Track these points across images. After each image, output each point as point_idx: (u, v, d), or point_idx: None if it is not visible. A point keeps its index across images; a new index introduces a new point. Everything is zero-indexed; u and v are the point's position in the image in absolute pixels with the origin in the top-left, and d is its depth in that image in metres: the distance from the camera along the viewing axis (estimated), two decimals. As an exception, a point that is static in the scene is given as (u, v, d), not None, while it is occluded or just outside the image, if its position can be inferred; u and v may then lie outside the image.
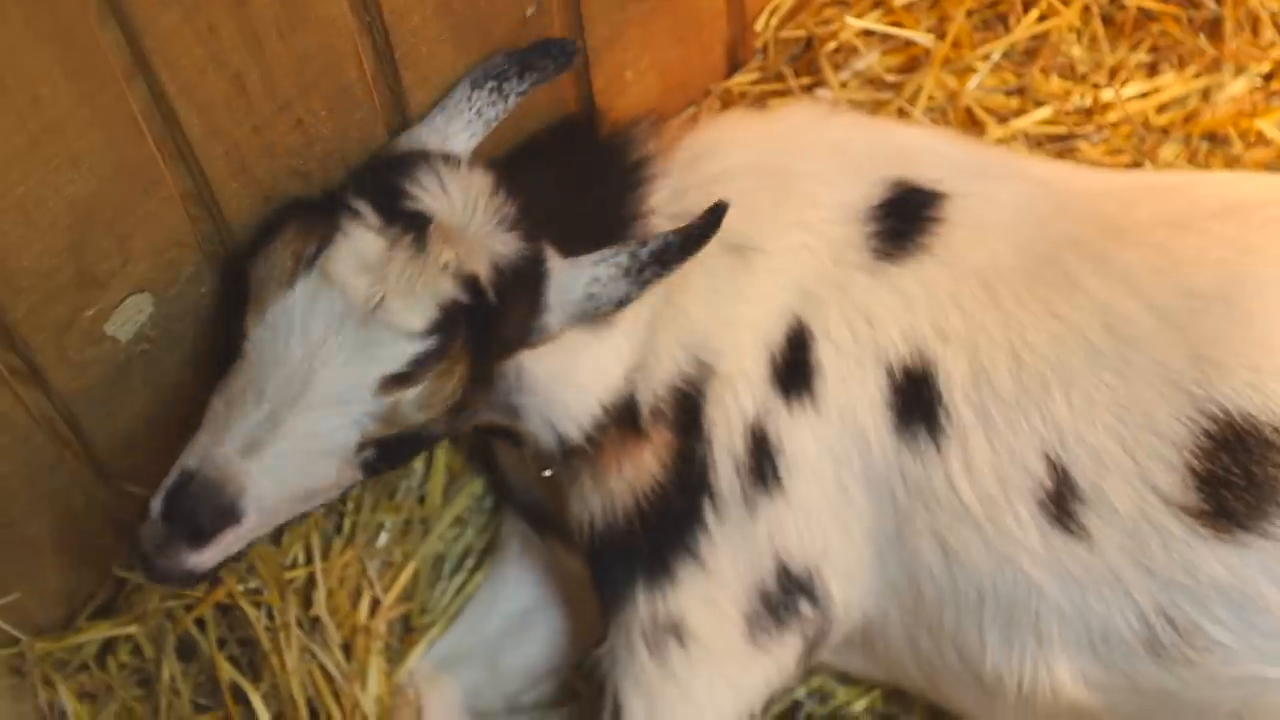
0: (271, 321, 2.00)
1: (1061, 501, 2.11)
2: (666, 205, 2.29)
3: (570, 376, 2.24)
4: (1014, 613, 2.17)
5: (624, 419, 2.27)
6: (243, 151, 2.05)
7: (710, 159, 2.35)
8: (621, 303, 2.13)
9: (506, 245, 2.08)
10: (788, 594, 2.25)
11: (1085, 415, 2.10)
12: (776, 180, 2.32)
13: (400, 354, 2.01)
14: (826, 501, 2.22)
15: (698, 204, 2.23)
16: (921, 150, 2.37)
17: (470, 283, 2.04)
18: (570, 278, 2.12)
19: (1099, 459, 2.09)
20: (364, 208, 2.04)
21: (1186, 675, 2.10)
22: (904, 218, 2.25)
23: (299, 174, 2.13)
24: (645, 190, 2.29)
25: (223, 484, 1.98)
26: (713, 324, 2.25)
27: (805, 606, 2.25)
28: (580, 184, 2.28)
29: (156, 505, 2.00)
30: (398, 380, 2.01)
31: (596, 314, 2.14)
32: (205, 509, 1.99)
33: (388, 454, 2.09)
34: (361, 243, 2.02)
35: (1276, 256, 2.14)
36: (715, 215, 2.12)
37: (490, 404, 2.21)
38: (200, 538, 2.00)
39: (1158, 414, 2.07)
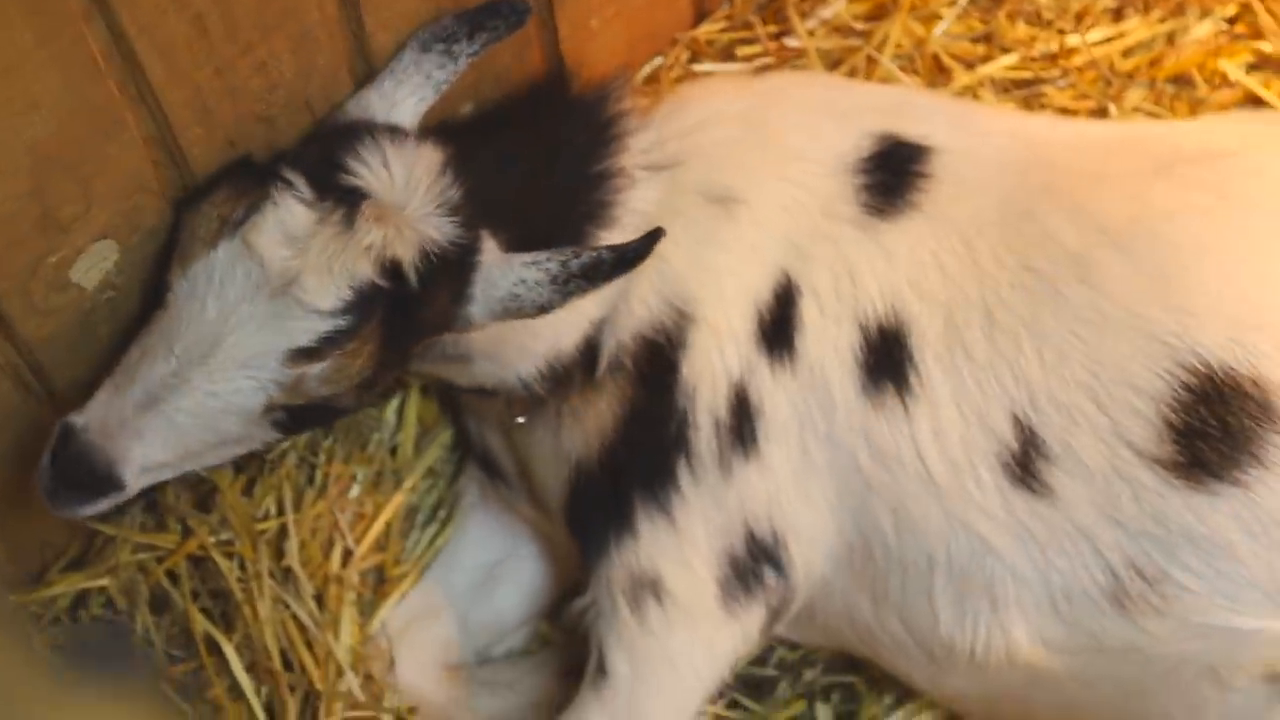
0: (192, 278, 2.01)
1: (1025, 461, 2.10)
2: (644, 155, 2.28)
3: (522, 335, 2.23)
4: (967, 578, 2.16)
5: (590, 368, 2.27)
6: (205, 95, 2.05)
7: (691, 110, 2.35)
8: (543, 309, 2.09)
9: (440, 231, 2.06)
10: (755, 561, 2.25)
11: (1057, 371, 2.10)
12: (760, 132, 2.32)
13: (309, 329, 2.01)
14: (793, 466, 2.21)
15: (677, 154, 2.23)
16: (906, 105, 2.37)
17: (392, 267, 2.03)
18: (500, 274, 2.08)
19: (1070, 415, 2.09)
20: (297, 179, 2.03)
21: (1154, 627, 2.09)
22: (893, 171, 2.24)
23: (263, 119, 2.13)
24: (621, 144, 2.27)
25: (102, 450, 2.02)
26: (693, 272, 2.23)
27: (770, 575, 2.25)
28: (550, 146, 2.25)
29: (45, 456, 2.04)
30: (305, 354, 2.02)
31: (519, 314, 2.10)
32: (85, 473, 2.02)
33: (298, 418, 2.10)
34: (289, 214, 2.01)
35: (1256, 204, 2.14)
36: (651, 239, 2.08)
37: (417, 366, 2.23)
38: (84, 494, 2.04)
39: (1134, 367, 2.06)
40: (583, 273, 2.07)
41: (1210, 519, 2.03)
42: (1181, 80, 2.71)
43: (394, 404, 2.68)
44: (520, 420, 2.37)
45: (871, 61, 2.68)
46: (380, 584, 2.63)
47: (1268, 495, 2.01)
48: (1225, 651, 2.08)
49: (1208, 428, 2.03)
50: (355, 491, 2.64)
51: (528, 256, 2.09)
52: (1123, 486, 2.06)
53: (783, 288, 2.20)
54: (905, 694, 2.56)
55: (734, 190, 2.25)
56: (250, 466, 2.56)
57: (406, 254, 2.03)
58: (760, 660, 2.60)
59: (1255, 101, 2.65)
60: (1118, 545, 2.07)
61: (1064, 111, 2.68)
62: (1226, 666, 2.09)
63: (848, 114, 2.31)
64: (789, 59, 2.73)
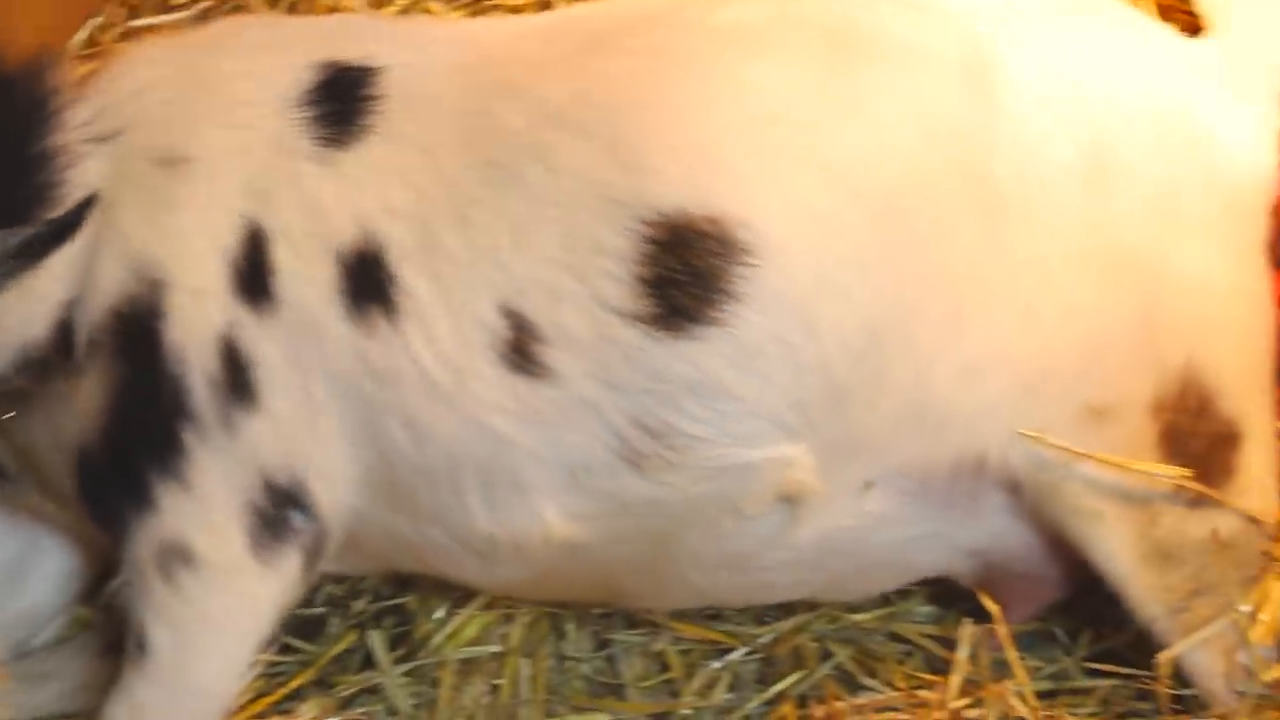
0: None
1: (521, 347, 2.15)
2: (86, 129, 2.23)
3: None
4: (492, 472, 2.21)
5: (69, 351, 2.21)
6: None
7: (130, 73, 2.30)
8: None
9: None
10: (279, 508, 2.24)
11: (536, 255, 2.15)
12: (200, 85, 2.28)
13: None
14: (298, 409, 2.21)
15: (121, 122, 2.18)
16: (346, 30, 2.38)
17: None
18: None
19: (554, 294, 2.14)
20: None
21: (670, 478, 2.19)
22: (340, 99, 2.24)
23: None
24: (59, 121, 2.21)
25: None
26: (156, 238, 2.19)
27: (298, 519, 2.25)
28: None
29: None
30: None
31: None
32: None
33: None
34: None
35: (689, 55, 2.23)
36: (84, 207, 2.06)
37: None
38: None
39: (601, 233, 2.13)
40: (20, 251, 2.03)
41: (700, 363, 2.13)
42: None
43: None
44: (9, 416, 2.29)
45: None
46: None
47: (746, 327, 2.12)
48: (739, 485, 2.20)
49: (677, 275, 2.11)
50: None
51: None
52: (613, 351, 2.13)
53: (250, 236, 2.19)
54: (457, 603, 2.62)
55: (182, 149, 2.22)
56: None
57: None
58: (307, 601, 2.59)
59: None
60: (620, 409, 2.15)
61: (513, 12, 2.72)
62: (742, 498, 2.21)
63: (285, 50, 2.30)
64: (230, 2, 2.70)
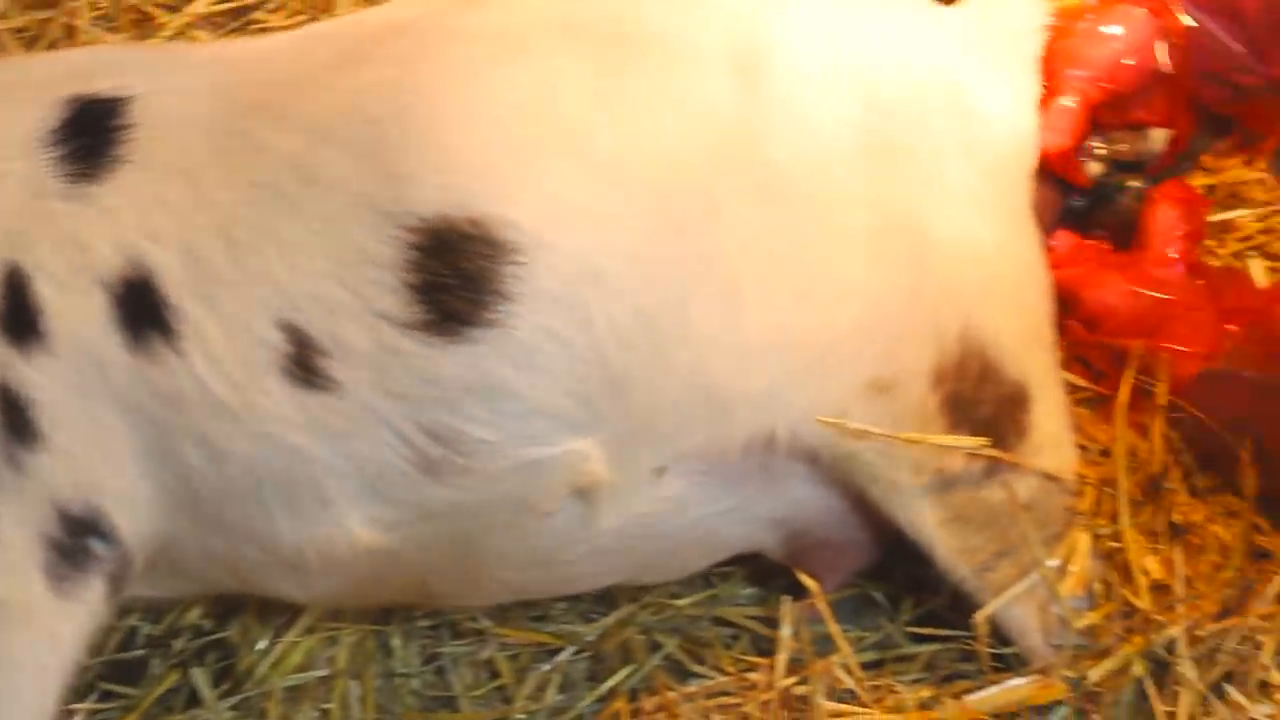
0: None
1: (304, 361, 2.14)
2: None
3: None
4: (292, 485, 2.19)
5: None
6: None
7: None
8: None
9: None
10: (77, 538, 2.20)
11: (305, 270, 2.13)
12: None
13: None
14: (86, 440, 2.18)
15: None
16: (95, 63, 2.33)
17: None
18: None
19: (328, 307, 2.13)
20: None
21: (465, 482, 2.18)
22: (89, 133, 2.20)
23: None
24: None
25: None
26: None
27: (98, 546, 2.22)
28: None
29: None
30: None
31: None
32: None
33: None
34: None
35: (442, 61, 2.22)
36: None
37: None
38: None
39: (367, 244, 2.12)
40: None
41: (479, 366, 2.12)
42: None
43: None
44: None
45: (71, 29, 2.63)
46: None
47: (520, 325, 2.12)
48: (533, 483, 2.20)
49: (445, 280, 2.11)
50: None
51: None
52: (392, 360, 2.12)
53: (11, 277, 2.16)
54: (279, 631, 2.59)
55: None
56: None
57: None
58: (126, 644, 2.58)
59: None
60: (407, 417, 2.14)
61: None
62: (537, 496, 2.21)
63: (31, 89, 2.26)
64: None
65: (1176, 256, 2.56)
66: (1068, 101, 2.42)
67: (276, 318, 2.14)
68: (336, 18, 2.68)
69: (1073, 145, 2.43)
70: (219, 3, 2.72)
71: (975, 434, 2.26)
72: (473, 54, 2.21)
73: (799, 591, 2.43)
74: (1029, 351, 2.32)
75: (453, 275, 2.11)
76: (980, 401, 2.27)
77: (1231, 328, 2.48)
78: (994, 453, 2.27)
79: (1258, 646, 2.25)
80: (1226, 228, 2.81)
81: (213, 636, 2.61)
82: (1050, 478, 2.32)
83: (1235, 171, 2.85)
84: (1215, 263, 2.75)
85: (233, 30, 2.69)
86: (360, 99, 2.18)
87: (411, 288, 2.11)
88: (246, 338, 2.14)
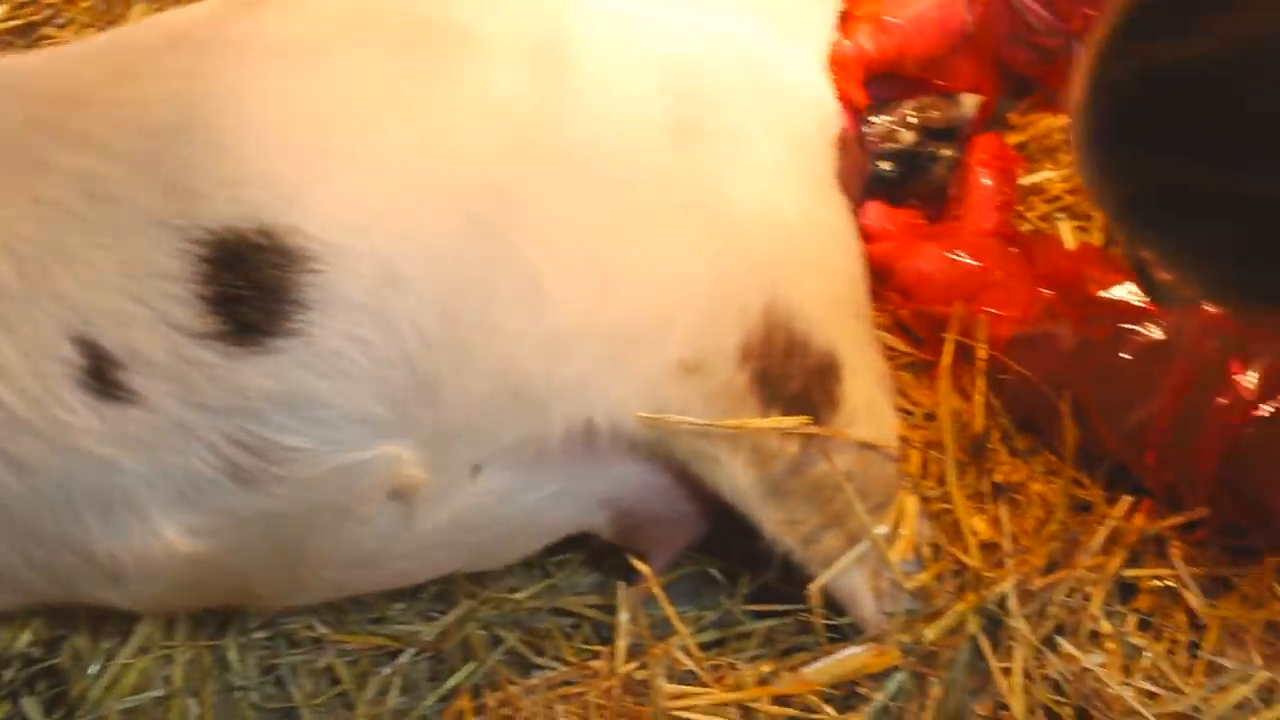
0: None
1: (101, 374, 2.10)
2: None
3: None
4: (103, 495, 2.15)
5: None
6: None
7: None
8: None
9: None
10: None
11: (94, 284, 2.09)
12: None
13: None
14: None
15: None
16: None
17: None
18: None
19: (121, 321, 2.09)
20: None
21: (279, 490, 2.15)
22: None
23: None
24: None
25: None
26: None
27: None
28: None
29: None
30: None
31: None
32: None
33: None
34: None
35: (227, 73, 2.18)
36: None
37: None
38: None
39: (157, 257, 2.08)
40: None
41: (284, 375, 2.09)
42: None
43: None
44: None
45: None
46: None
47: (322, 332, 2.08)
48: (348, 489, 2.17)
49: (240, 291, 2.07)
50: None
51: None
52: (193, 371, 2.09)
53: None
54: (110, 654, 2.55)
55: None
56: None
57: None
58: (-49, 678, 2.52)
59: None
60: (215, 428, 2.11)
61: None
62: (354, 501, 2.19)
63: None
64: None
65: (990, 226, 2.58)
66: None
67: (68, 332, 2.09)
68: (112, 30, 2.61)
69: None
70: (7, 20, 2.65)
71: (787, 409, 2.27)
72: (251, 61, 2.18)
73: (637, 575, 2.42)
74: (838, 321, 2.32)
75: (247, 286, 2.07)
76: (789, 376, 2.27)
77: (1045, 291, 2.49)
78: (808, 429, 2.26)
79: (1086, 598, 2.28)
80: (1035, 190, 2.85)
81: (43, 664, 2.55)
82: (869, 446, 2.32)
83: (1045, 122, 2.87)
84: (1025, 226, 2.78)
85: (23, 48, 2.62)
86: (145, 113, 2.14)
87: (205, 300, 2.07)
88: (38, 352, 2.09)
